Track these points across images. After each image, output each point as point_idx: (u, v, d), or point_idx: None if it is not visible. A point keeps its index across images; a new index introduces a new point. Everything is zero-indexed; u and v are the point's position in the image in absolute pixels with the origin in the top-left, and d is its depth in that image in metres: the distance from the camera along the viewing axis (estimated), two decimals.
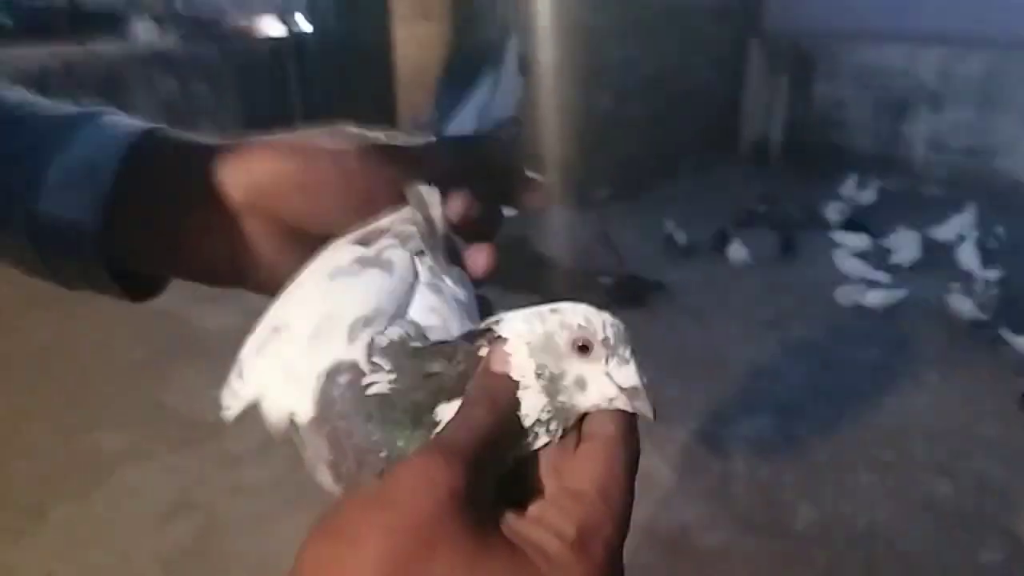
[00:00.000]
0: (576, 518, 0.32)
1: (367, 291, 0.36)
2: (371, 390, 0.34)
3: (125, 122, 0.44)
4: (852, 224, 5.24)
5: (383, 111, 6.79)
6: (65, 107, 0.45)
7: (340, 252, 0.39)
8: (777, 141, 7.01)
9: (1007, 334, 3.69)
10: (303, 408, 0.35)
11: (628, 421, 0.35)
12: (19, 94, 0.46)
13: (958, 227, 5.04)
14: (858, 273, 4.49)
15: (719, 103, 6.88)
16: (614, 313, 0.38)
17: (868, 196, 5.89)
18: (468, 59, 0.47)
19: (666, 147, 6.29)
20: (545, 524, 0.32)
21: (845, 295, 4.19)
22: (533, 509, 0.33)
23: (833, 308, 4.18)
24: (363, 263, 0.38)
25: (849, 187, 5.92)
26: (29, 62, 4.86)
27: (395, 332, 0.35)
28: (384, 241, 0.39)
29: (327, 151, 0.43)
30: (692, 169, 6.50)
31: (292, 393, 0.35)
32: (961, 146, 6.29)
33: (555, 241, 4.93)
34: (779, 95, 6.91)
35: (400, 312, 0.37)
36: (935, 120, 6.38)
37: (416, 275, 0.39)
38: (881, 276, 4.47)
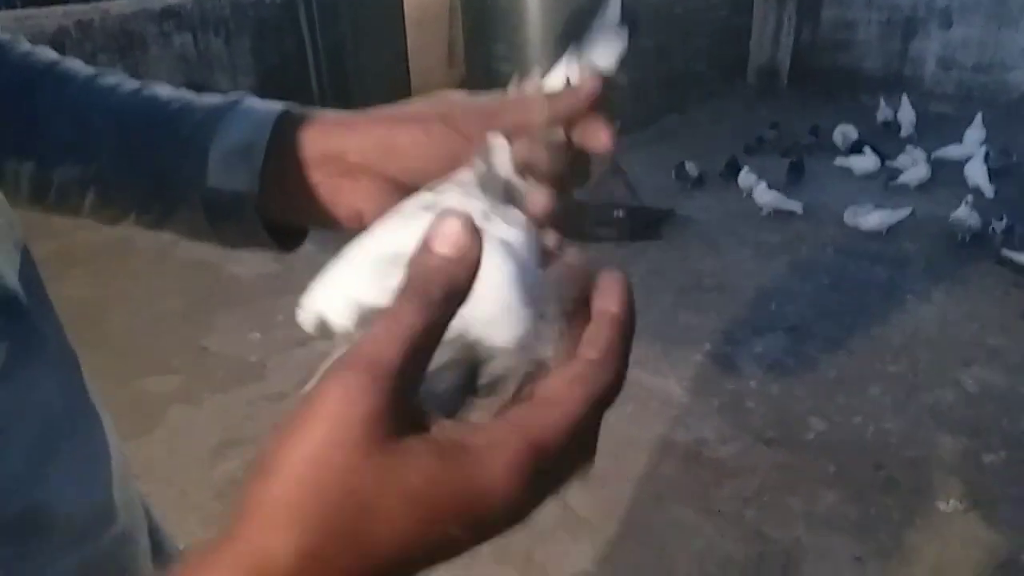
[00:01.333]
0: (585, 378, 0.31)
1: (416, 233, 0.36)
2: None
3: (264, 106, 0.53)
4: (860, 146, 5.29)
5: (395, 56, 6.81)
6: (209, 98, 0.54)
7: (411, 200, 0.44)
8: (785, 66, 6.98)
9: (1010, 249, 3.79)
10: (342, 322, 0.38)
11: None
12: (167, 90, 0.55)
13: (966, 144, 5.08)
14: (865, 195, 4.57)
15: (727, 31, 6.84)
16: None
17: (878, 117, 5.91)
18: (581, 15, 0.48)
19: (675, 77, 6.29)
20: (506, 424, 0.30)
21: (852, 216, 4.27)
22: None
23: (842, 229, 4.27)
24: (423, 207, 0.42)
25: (858, 110, 5.94)
26: (44, 23, 4.93)
27: None
28: (444, 187, 0.43)
29: (413, 116, 0.49)
30: (701, 98, 6.51)
31: (342, 311, 0.38)
32: (971, 62, 6.27)
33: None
34: (787, 20, 6.87)
35: None
36: (944, 37, 6.33)
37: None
38: (888, 197, 4.56)
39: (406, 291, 0.30)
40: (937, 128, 5.46)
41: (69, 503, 0.41)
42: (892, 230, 4.17)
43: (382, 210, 0.44)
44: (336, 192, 0.51)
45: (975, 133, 5.17)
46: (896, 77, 6.52)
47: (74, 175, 0.51)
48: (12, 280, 0.43)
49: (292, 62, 6.53)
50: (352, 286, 0.38)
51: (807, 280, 3.86)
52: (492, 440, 0.29)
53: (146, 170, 0.52)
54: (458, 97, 0.49)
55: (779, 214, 4.54)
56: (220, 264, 3.93)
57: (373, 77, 6.69)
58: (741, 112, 6.40)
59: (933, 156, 4.97)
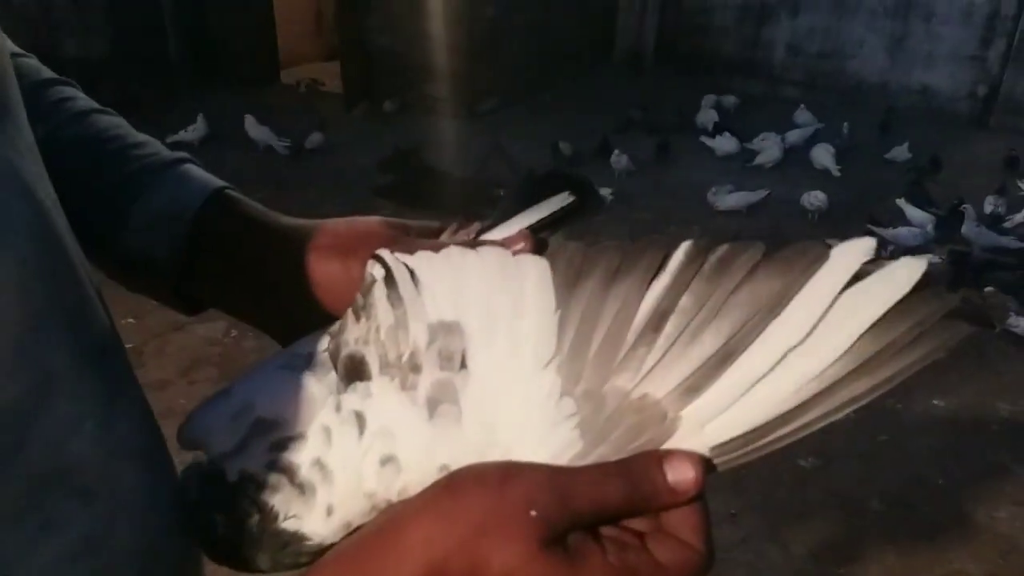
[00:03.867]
0: (684, 558, 0.35)
1: (272, 390, 0.40)
2: None
3: (202, 177, 0.52)
4: (720, 127, 5.61)
5: (260, 23, 6.54)
6: (151, 147, 0.52)
7: (284, 353, 0.45)
8: (650, 48, 7.26)
9: (854, 227, 4.18)
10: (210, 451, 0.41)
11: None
12: (109, 121, 0.53)
13: (810, 129, 5.53)
14: (727, 175, 4.88)
15: (596, 11, 7.02)
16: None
17: (733, 100, 6.27)
18: (532, 184, 0.49)
19: (548, 56, 6.41)
20: (648, 552, 0.35)
21: (714, 196, 4.55)
22: (624, 536, 0.35)
23: (706, 208, 4.55)
24: (284, 366, 0.42)
25: (716, 92, 6.28)
26: None
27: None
28: (310, 344, 0.43)
29: (337, 248, 0.47)
30: (573, 76, 6.66)
31: (207, 444, 0.41)
32: (815, 49, 6.75)
33: (448, 153, 5.04)
34: (650, 2, 7.13)
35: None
36: (792, 25, 6.78)
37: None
38: (747, 177, 4.88)
39: (628, 473, 0.35)
40: (788, 112, 5.86)
41: None
42: (751, 209, 4.48)
43: (284, 330, 0.46)
44: (241, 298, 0.50)
45: (803, 116, 5.64)
46: (750, 62, 6.93)
47: None
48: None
49: (148, 25, 6.15)
50: (214, 429, 0.40)
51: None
52: (605, 573, 0.34)
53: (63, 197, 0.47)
54: (385, 231, 0.48)
55: (649, 192, 4.77)
56: None
57: (237, 44, 6.41)
58: (610, 91, 6.60)
59: (785, 139, 5.36)
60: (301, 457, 0.37)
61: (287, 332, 0.46)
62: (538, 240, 0.43)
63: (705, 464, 0.35)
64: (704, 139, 5.47)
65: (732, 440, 0.35)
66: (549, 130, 5.37)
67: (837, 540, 2.40)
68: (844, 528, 2.45)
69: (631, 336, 0.36)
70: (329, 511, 0.37)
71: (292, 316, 0.46)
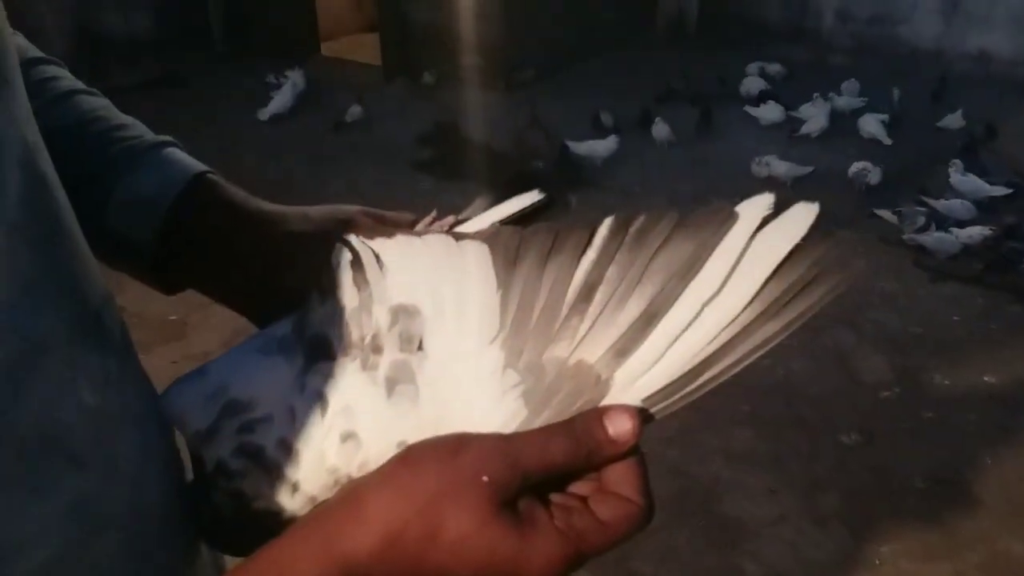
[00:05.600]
0: (625, 513, 0.38)
1: (246, 373, 0.43)
2: None
3: (183, 160, 0.52)
4: (765, 96, 5.48)
5: None
6: (134, 129, 0.53)
7: (261, 334, 0.46)
8: (693, 16, 7.10)
9: (904, 199, 4.06)
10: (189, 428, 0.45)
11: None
12: (93, 103, 0.53)
13: (860, 96, 5.36)
14: (771, 145, 4.77)
15: None
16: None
17: (779, 69, 6.11)
18: (519, 179, 0.53)
19: (587, 26, 6.31)
20: (589, 511, 0.38)
21: (759, 166, 4.45)
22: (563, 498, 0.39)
23: (749, 180, 4.45)
24: (259, 349, 0.44)
25: (761, 61, 6.13)
26: None
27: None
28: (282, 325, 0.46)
29: (316, 229, 0.50)
30: (612, 47, 6.57)
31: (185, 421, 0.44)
32: (866, 15, 6.53)
33: (485, 126, 5.01)
34: None
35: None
36: None
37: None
38: (793, 146, 4.76)
39: (570, 432, 0.38)
40: (837, 80, 5.70)
41: None
42: (797, 180, 4.37)
43: (260, 312, 0.47)
44: (219, 281, 0.52)
45: (852, 85, 5.47)
46: (797, 29, 6.74)
47: None
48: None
49: (190, 1, 6.20)
50: (188, 407, 0.42)
51: None
52: (552, 537, 0.37)
53: None
54: (361, 219, 0.50)
55: (691, 163, 4.69)
56: None
57: (278, 18, 6.43)
58: (651, 61, 6.49)
59: (833, 107, 5.21)
60: (267, 439, 0.39)
61: (264, 314, 0.47)
62: (460, 223, 0.47)
63: (641, 415, 0.38)
64: (748, 108, 5.35)
65: (661, 390, 0.39)
66: (589, 101, 5.30)
67: (879, 518, 2.36)
68: (887, 506, 2.40)
69: (565, 309, 0.39)
70: (295, 488, 0.39)
71: (269, 299, 0.47)
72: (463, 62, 5.87)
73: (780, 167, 4.40)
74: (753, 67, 6.00)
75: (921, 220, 3.87)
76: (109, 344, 0.41)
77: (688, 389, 0.39)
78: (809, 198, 0.40)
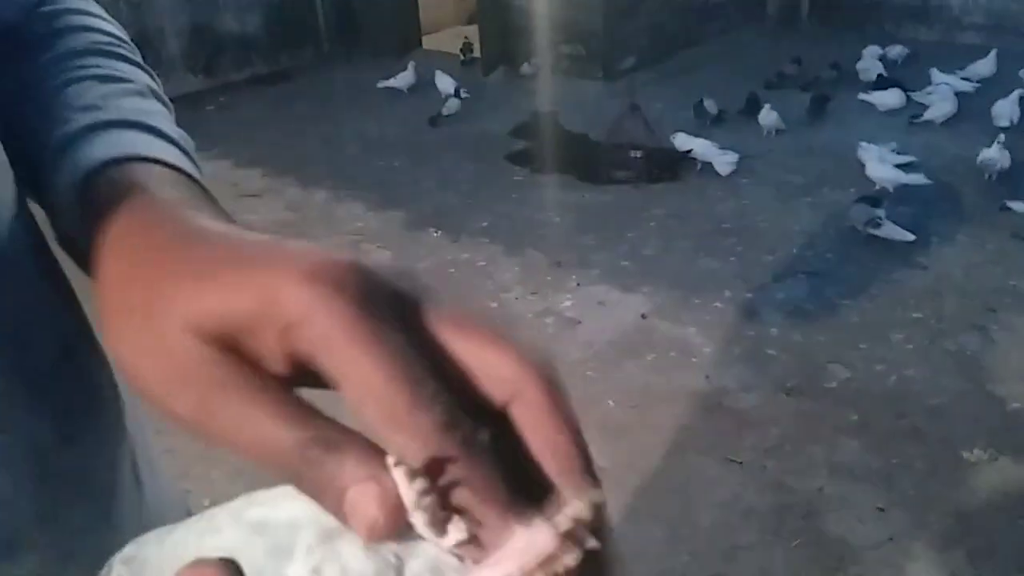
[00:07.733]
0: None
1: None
2: None
3: (117, 141, 0.42)
4: (885, 80, 5.13)
5: None
6: (92, 99, 0.44)
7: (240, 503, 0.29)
8: None
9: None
10: None
11: None
12: (88, 37, 0.46)
13: (991, 78, 4.94)
14: (889, 132, 4.45)
15: None
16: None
17: (900, 51, 5.72)
18: None
19: (692, 12, 6.11)
20: None
21: (865, 152, 4.08)
22: None
23: (859, 170, 4.16)
24: (252, 528, 0.26)
25: (881, 43, 5.75)
26: None
27: None
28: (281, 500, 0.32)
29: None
30: (719, 32, 6.32)
31: None
32: None
33: (585, 115, 4.91)
34: None
35: None
36: None
37: None
38: (913, 133, 4.43)
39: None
40: (966, 62, 5.28)
41: None
42: (916, 168, 4.06)
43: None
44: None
45: (985, 66, 5.03)
46: (922, 7, 6.29)
47: None
48: None
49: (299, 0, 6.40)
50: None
51: (829, 223, 3.78)
52: None
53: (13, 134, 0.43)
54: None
55: (801, 152, 4.43)
56: (231, 211, 3.89)
57: (381, 13, 6.52)
58: (761, 46, 6.21)
59: (959, 91, 4.82)
60: None
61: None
62: None
63: None
64: (863, 95, 5.01)
65: None
66: (692, 89, 5.11)
67: (1002, 546, 2.14)
68: (1012, 532, 2.18)
69: None
70: None
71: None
72: (562, 51, 5.78)
73: (880, 171, 3.93)
74: (871, 50, 5.63)
75: None
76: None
77: None
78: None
